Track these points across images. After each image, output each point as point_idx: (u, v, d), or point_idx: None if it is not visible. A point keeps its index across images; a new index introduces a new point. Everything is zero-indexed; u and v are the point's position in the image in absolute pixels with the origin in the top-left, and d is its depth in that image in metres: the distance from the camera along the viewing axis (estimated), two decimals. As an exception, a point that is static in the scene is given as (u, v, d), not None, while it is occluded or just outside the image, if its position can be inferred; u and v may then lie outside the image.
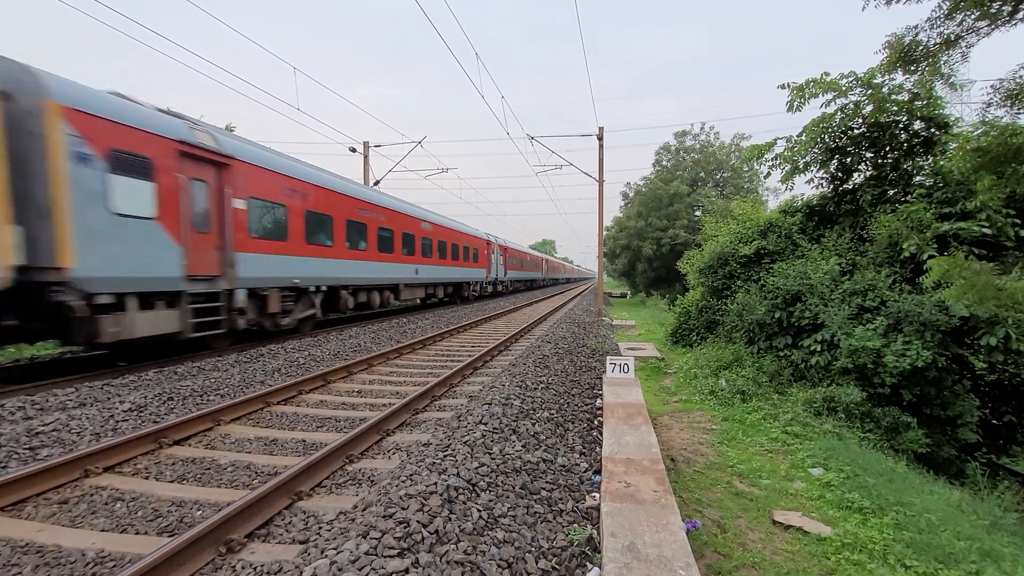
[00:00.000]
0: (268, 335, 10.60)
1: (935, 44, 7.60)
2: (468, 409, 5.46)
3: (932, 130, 9.78)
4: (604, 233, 24.43)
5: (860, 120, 10.25)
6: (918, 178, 10.17)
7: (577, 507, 3.76)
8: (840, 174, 11.23)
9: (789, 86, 10.44)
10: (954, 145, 9.65)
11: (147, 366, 7.76)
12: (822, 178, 11.53)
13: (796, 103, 10.33)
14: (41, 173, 5.99)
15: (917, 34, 7.74)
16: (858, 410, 7.24)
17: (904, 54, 7.82)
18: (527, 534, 3.16)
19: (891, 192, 10.32)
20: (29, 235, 5.88)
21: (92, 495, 3.67)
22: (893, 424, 7.21)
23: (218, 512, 3.11)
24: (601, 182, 21.27)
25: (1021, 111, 7.40)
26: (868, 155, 10.81)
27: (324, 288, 11.81)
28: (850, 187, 11.19)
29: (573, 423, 5.75)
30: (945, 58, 7.84)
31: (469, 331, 13.52)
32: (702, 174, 39.65)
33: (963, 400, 7.57)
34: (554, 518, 3.52)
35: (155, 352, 8.69)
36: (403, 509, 2.99)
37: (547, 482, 4.01)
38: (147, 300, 7.26)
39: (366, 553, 2.55)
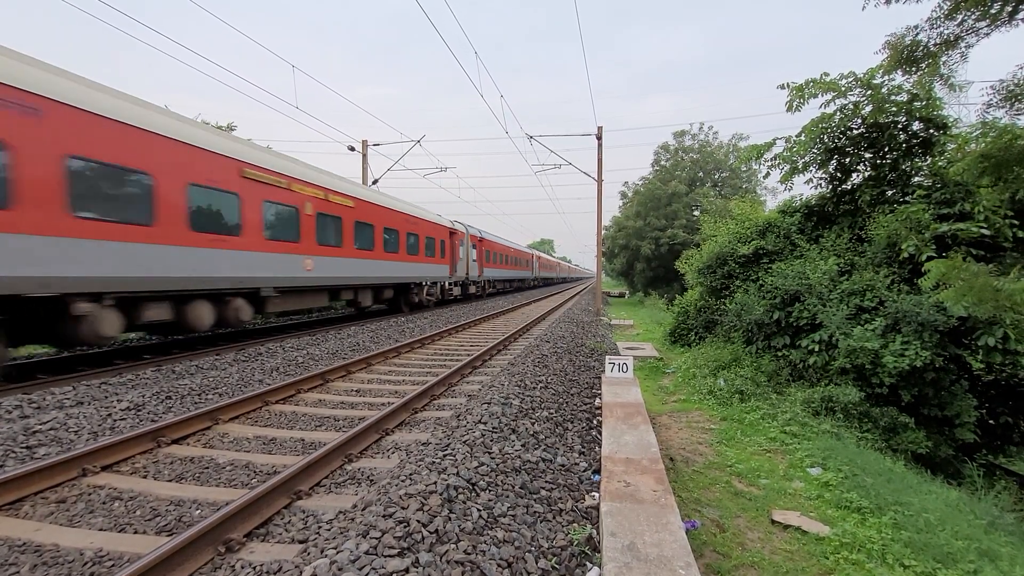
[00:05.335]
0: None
1: (935, 44, 7.62)
2: (467, 408, 5.45)
3: (931, 131, 9.79)
4: (603, 232, 24.44)
5: (859, 120, 10.27)
6: (917, 179, 10.19)
7: (576, 506, 3.76)
8: (839, 174, 11.24)
9: (789, 86, 10.45)
10: (952, 146, 9.67)
11: (145, 365, 7.74)
12: (821, 178, 11.55)
13: (795, 103, 10.34)
14: (465, 252, 24.02)
15: (917, 34, 7.75)
16: (856, 410, 7.25)
17: (905, 54, 7.83)
18: (527, 533, 3.16)
19: (890, 192, 10.34)
20: (454, 268, 22.10)
21: (90, 494, 3.65)
22: (891, 424, 7.23)
23: (217, 511, 3.10)
24: (600, 182, 21.27)
25: (1020, 112, 7.41)
26: (867, 155, 10.82)
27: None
28: (849, 187, 11.20)
29: (572, 422, 5.75)
30: (945, 58, 7.85)
31: (468, 330, 13.51)
32: (700, 174, 39.71)
33: (961, 400, 7.58)
34: (554, 517, 3.52)
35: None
36: (403, 508, 2.98)
37: (547, 481, 4.01)
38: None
39: (366, 553, 2.55)
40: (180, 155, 8.12)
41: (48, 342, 7.32)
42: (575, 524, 3.48)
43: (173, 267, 7.93)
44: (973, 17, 7.12)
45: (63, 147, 6.44)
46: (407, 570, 2.48)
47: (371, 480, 3.99)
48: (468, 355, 9.51)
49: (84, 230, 6.65)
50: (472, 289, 25.50)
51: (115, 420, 5.15)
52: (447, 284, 21.35)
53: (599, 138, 20.88)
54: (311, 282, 11.46)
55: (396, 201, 16.75)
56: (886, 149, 10.40)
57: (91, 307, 6.83)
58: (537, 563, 2.90)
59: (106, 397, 6.00)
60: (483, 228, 27.14)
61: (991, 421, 8.24)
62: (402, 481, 3.48)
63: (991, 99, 7.64)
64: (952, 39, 7.54)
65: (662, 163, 41.25)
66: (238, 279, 9.28)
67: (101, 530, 3.20)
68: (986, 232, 8.06)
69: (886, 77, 9.39)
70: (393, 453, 4.59)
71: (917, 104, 9.58)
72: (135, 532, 3.19)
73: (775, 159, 11.26)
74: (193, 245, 8.32)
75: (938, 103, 9.52)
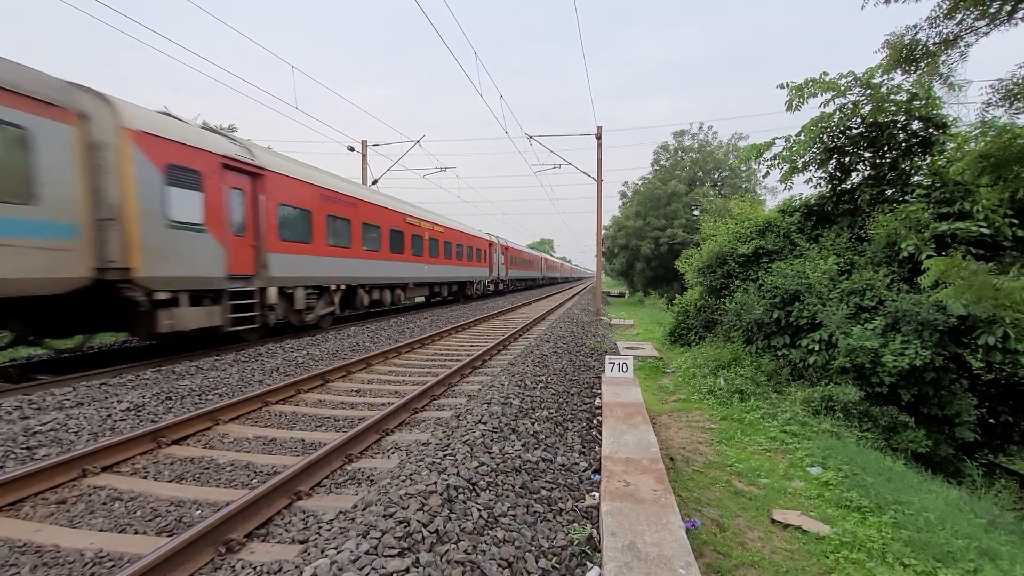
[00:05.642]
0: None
1: (934, 43, 7.61)
2: (467, 408, 5.46)
3: (930, 130, 9.80)
4: (603, 232, 24.43)
5: (859, 120, 10.27)
6: (916, 178, 10.19)
7: (577, 506, 3.76)
8: (838, 174, 11.25)
9: (788, 86, 10.45)
10: (951, 145, 9.67)
11: (145, 365, 7.74)
12: (820, 178, 11.55)
13: (795, 103, 10.34)
14: (496, 258, 30.61)
15: (916, 33, 7.74)
16: (856, 409, 7.26)
17: (905, 53, 7.82)
18: (527, 533, 3.16)
19: (889, 192, 10.34)
20: (491, 270, 30.16)
21: (90, 495, 3.65)
22: (891, 423, 7.24)
23: (217, 512, 3.10)
24: (600, 181, 21.27)
25: (1020, 112, 7.41)
26: (866, 155, 10.83)
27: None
28: (848, 187, 11.21)
29: (572, 422, 5.75)
30: (944, 58, 7.84)
31: (467, 330, 13.51)
32: (700, 173, 39.70)
33: (961, 399, 7.59)
34: (554, 517, 3.52)
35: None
36: (403, 508, 2.99)
37: (547, 481, 4.01)
38: None
39: (366, 553, 2.55)
40: (388, 215, 15.44)
41: (346, 308, 13.38)
42: (575, 524, 3.48)
43: (383, 271, 14.95)
44: (972, 16, 7.11)
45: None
46: (407, 570, 2.48)
47: (371, 480, 3.99)
48: (468, 355, 9.51)
49: (366, 255, 13.72)
50: (501, 286, 32.38)
51: (115, 421, 5.15)
52: (486, 282, 28.26)
53: (599, 138, 20.89)
54: (426, 280, 18.64)
55: (459, 224, 23.59)
56: (885, 148, 10.40)
57: (361, 291, 13.63)
58: (537, 563, 2.91)
59: (106, 398, 6.00)
60: (497, 234, 31.98)
61: (991, 420, 8.25)
62: (402, 481, 3.48)
63: (990, 98, 7.62)
64: (951, 38, 7.52)
65: (662, 163, 41.24)
66: (401, 278, 16.31)
67: (101, 531, 3.20)
68: (985, 231, 8.06)
69: (885, 76, 9.39)
70: (393, 453, 4.59)
71: (916, 103, 9.58)
72: (135, 533, 3.19)
73: (775, 158, 11.26)
74: (389, 260, 15.43)
75: (937, 102, 9.52)
